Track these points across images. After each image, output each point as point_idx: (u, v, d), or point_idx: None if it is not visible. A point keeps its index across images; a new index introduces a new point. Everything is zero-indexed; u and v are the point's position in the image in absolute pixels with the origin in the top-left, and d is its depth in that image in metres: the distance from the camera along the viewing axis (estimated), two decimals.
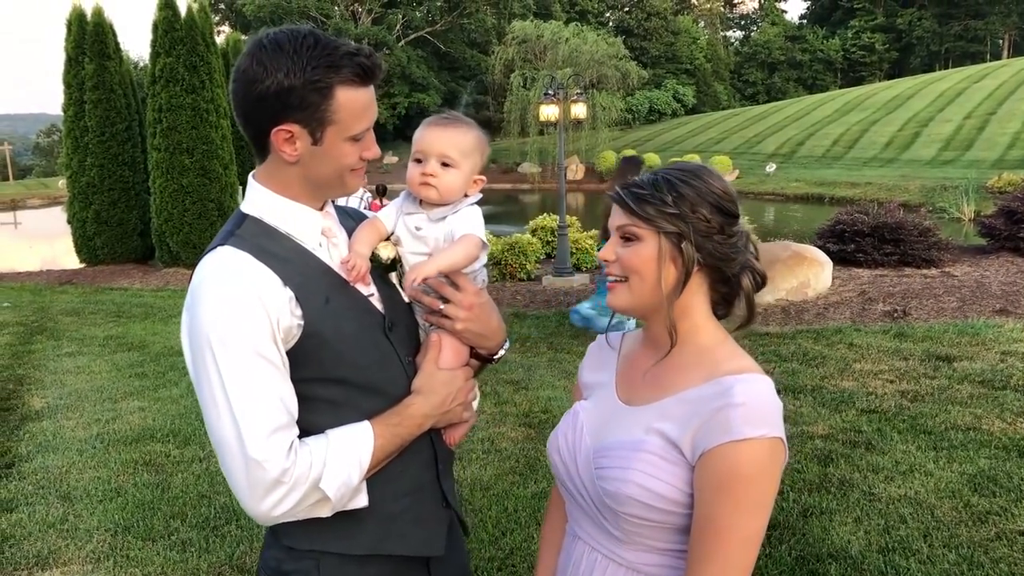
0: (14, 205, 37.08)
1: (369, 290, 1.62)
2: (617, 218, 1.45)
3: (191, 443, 5.46)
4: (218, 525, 4.23)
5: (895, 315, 8.29)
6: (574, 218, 13.44)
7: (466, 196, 1.67)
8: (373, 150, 1.55)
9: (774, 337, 7.61)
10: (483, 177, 1.70)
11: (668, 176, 1.43)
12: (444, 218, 1.64)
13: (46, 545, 4.08)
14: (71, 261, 16.35)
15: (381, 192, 14.76)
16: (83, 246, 15.49)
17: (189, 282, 1.48)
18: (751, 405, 1.30)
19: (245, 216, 1.56)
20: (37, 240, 24.41)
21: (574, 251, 12.03)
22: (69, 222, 15.65)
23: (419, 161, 1.64)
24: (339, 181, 1.55)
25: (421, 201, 1.66)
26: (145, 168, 15.02)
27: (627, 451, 1.39)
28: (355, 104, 1.47)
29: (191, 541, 4.05)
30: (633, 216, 1.41)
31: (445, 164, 1.62)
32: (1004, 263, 10.79)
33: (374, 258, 1.63)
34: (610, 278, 1.46)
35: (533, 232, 13.17)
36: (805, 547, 3.73)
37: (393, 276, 1.70)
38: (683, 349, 1.45)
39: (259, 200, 1.56)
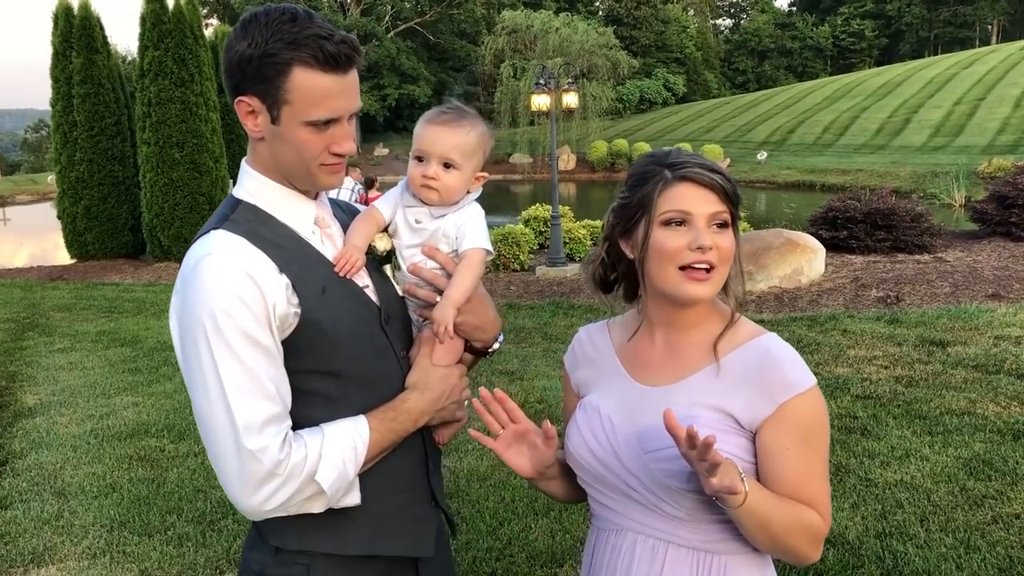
0: (3, 202, 36.74)
1: (364, 281, 1.58)
2: (708, 204, 1.40)
3: (186, 438, 5.44)
4: (215, 519, 4.21)
5: (888, 301, 8.31)
6: (567, 208, 13.41)
7: (467, 192, 1.62)
8: (344, 145, 1.46)
9: (768, 324, 7.61)
10: (485, 174, 1.65)
11: (717, 164, 1.44)
12: (445, 215, 1.60)
13: (41, 542, 4.06)
14: (62, 257, 16.27)
15: (369, 184, 14.69)
16: (73, 242, 15.40)
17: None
18: (792, 358, 1.38)
19: (239, 202, 1.51)
20: (27, 236, 24.27)
21: (567, 241, 12.00)
22: (59, 218, 15.55)
23: (420, 160, 1.58)
24: (306, 173, 1.47)
25: None
26: (135, 163, 14.92)
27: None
28: (312, 88, 1.39)
29: (188, 536, 4.04)
30: (729, 203, 1.41)
31: (447, 165, 1.56)
32: (996, 248, 10.82)
33: (370, 250, 1.59)
34: (702, 266, 1.39)
35: (526, 222, 13.13)
36: None
37: (387, 269, 1.66)
38: (693, 325, 1.48)
39: (251, 186, 1.51)
